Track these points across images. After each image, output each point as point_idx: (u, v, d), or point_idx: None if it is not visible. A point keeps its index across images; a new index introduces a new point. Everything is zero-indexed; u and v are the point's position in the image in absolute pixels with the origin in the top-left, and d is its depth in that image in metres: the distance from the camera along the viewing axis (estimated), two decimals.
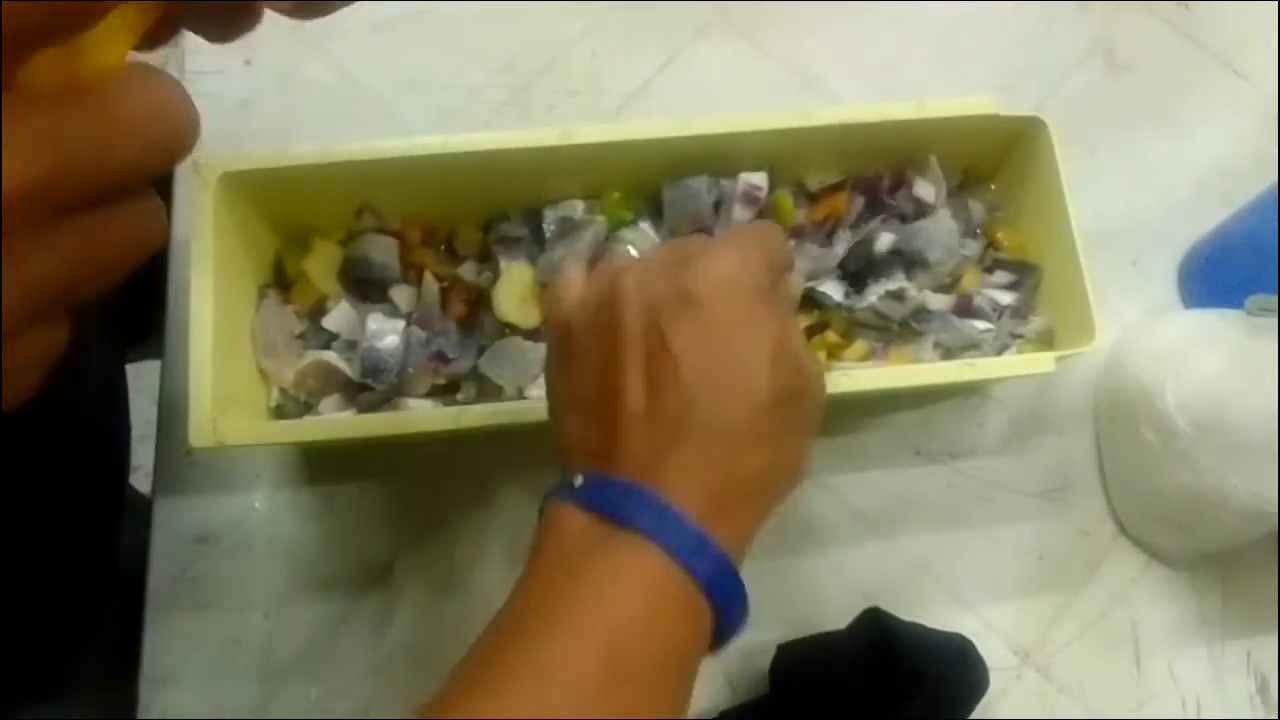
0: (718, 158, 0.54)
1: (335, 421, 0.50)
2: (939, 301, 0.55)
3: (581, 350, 0.37)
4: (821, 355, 0.53)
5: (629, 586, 0.32)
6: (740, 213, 0.54)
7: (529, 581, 0.34)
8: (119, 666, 0.55)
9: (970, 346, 0.54)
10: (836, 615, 0.53)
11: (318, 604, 0.55)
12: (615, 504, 0.33)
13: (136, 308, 0.59)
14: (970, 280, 0.56)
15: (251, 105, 0.62)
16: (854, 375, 0.49)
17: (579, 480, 0.35)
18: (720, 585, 0.33)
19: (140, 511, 0.57)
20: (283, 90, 0.63)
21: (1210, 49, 0.68)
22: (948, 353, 0.55)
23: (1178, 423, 0.50)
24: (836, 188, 0.56)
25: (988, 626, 0.56)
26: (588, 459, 0.36)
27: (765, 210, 0.55)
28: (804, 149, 0.54)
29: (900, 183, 0.56)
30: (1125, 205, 0.64)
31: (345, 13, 0.63)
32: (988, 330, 0.55)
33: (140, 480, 0.61)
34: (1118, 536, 0.58)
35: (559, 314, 0.38)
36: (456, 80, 0.64)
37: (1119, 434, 0.56)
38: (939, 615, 0.56)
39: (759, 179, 0.54)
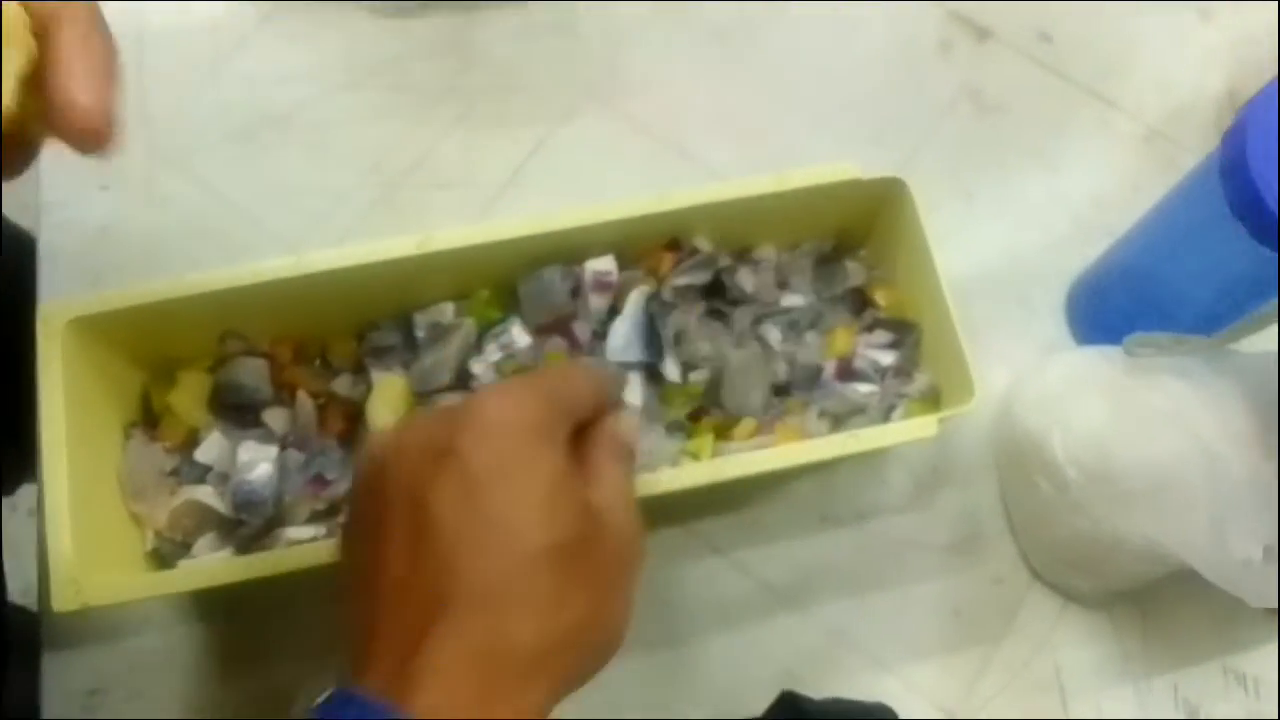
0: (574, 247, 0.53)
1: (206, 569, 0.48)
2: (810, 355, 0.55)
3: (357, 519, 0.35)
4: (708, 439, 0.52)
5: None
6: (596, 300, 0.53)
7: None
8: None
9: (855, 411, 0.54)
10: (756, 695, 0.51)
11: None
12: None
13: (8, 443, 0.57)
14: (844, 342, 0.55)
15: (111, 231, 0.61)
16: (741, 459, 0.49)
17: (322, 697, 0.32)
18: None
19: (26, 660, 0.55)
20: (143, 212, 0.61)
21: (1076, 80, 0.69)
22: (835, 420, 0.54)
23: (1068, 473, 0.50)
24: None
25: (910, 688, 0.55)
26: (354, 644, 0.33)
27: (620, 291, 0.54)
28: (664, 230, 0.54)
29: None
30: (1007, 245, 0.65)
31: (204, 125, 0.63)
32: (871, 393, 0.54)
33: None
34: (1032, 582, 0.58)
35: (354, 480, 0.37)
36: (324, 184, 0.63)
37: (1017, 482, 0.56)
38: (860, 682, 0.55)
39: (606, 264, 0.54)
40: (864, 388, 0.54)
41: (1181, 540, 0.46)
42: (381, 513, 0.33)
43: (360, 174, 0.64)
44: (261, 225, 0.62)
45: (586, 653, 0.34)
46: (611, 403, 0.38)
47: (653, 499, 0.47)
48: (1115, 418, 0.50)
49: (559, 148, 0.65)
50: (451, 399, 0.52)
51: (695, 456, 0.52)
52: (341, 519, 0.38)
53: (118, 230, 0.61)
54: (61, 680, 0.53)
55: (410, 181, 0.64)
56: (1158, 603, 0.57)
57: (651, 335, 0.53)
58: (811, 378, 0.54)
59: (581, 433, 0.36)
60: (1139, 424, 0.49)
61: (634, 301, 0.54)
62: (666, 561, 0.56)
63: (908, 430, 0.50)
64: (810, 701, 0.50)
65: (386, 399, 0.52)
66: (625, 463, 0.37)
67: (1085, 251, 0.64)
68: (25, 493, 0.64)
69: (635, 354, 0.53)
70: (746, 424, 0.53)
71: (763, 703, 0.51)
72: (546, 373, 0.39)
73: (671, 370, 0.53)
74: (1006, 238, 0.65)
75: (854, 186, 0.53)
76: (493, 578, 0.31)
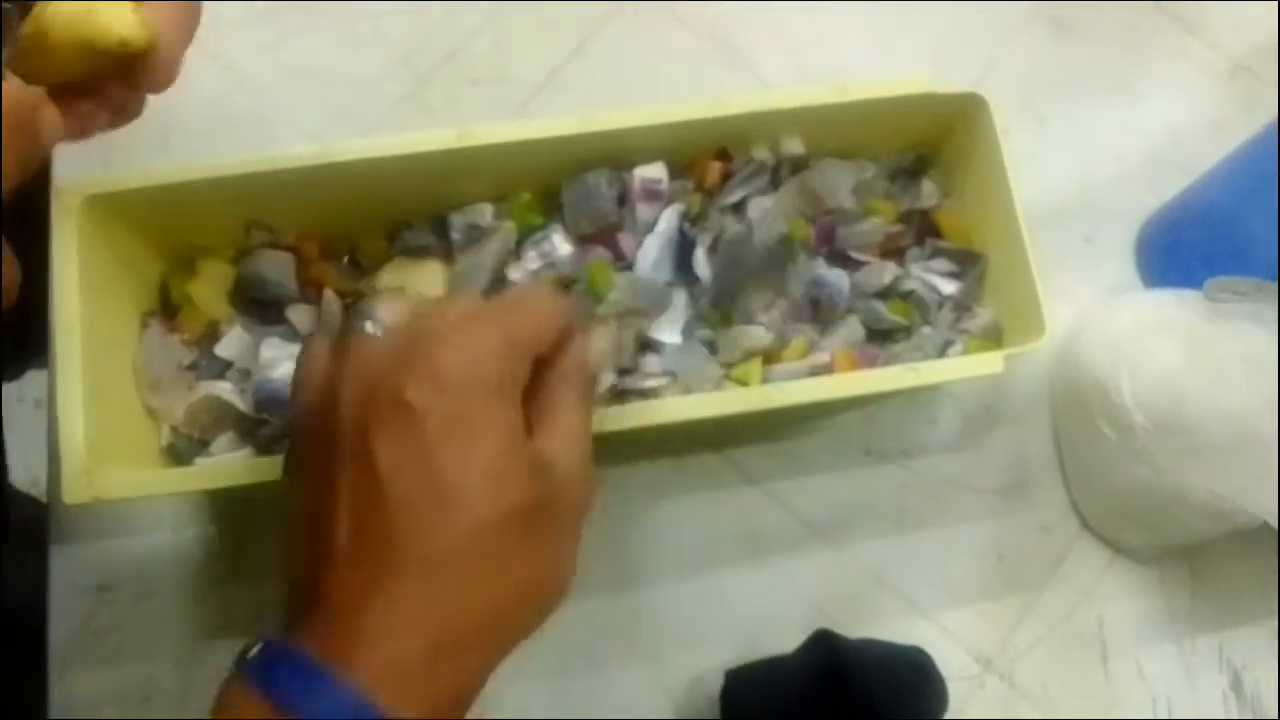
0: (622, 151, 0.49)
1: (224, 468, 0.45)
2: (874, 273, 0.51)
3: (302, 456, 0.33)
4: (757, 363, 0.49)
5: None
6: (644, 210, 0.50)
7: None
8: None
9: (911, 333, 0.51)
10: (788, 632, 0.49)
11: (233, 648, 0.51)
12: (284, 687, 0.29)
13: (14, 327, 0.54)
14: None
15: None
16: (789, 389, 0.45)
17: (254, 651, 0.30)
18: None
19: (30, 547, 0.53)
20: (161, 103, 0.58)
21: (1160, 6, 0.65)
22: (885, 336, 0.51)
23: (1135, 418, 0.47)
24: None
25: (947, 634, 0.53)
26: (294, 594, 0.32)
27: (670, 202, 0.51)
28: (717, 138, 0.51)
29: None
30: (1077, 178, 0.61)
31: (229, 4, 0.59)
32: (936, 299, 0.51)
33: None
34: (1080, 532, 0.55)
35: (293, 402, 0.34)
36: (352, 73, 0.59)
37: (1076, 427, 0.53)
38: (895, 625, 0.53)
39: (656, 172, 0.50)
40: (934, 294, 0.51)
41: (1255, 496, 0.43)
42: (325, 458, 0.32)
43: (389, 65, 0.60)
44: (283, 112, 0.58)
45: (532, 611, 0.33)
46: (577, 328, 0.36)
47: (688, 424, 0.44)
48: (1191, 364, 0.47)
49: (600, 51, 0.61)
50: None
51: (742, 382, 0.49)
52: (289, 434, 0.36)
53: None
54: (69, 575, 0.51)
55: (440, 76, 0.60)
56: (1208, 562, 0.55)
57: (683, 255, 0.50)
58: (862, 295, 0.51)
59: (541, 362, 0.34)
60: (1217, 373, 0.46)
61: (667, 218, 0.51)
62: (698, 489, 0.54)
63: (971, 366, 0.47)
64: (845, 641, 0.48)
65: (419, 299, 0.49)
66: (583, 402, 0.35)
67: (1159, 189, 0.60)
68: (32, 383, 0.61)
69: (665, 274, 0.50)
70: (798, 344, 0.50)
71: (793, 640, 0.49)
72: (509, 300, 0.35)
73: (704, 281, 0.50)
74: (1077, 169, 0.61)
75: (926, 102, 0.49)
76: (442, 544, 0.30)
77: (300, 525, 0.33)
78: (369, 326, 0.33)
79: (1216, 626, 0.55)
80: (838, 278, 0.51)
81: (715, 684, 0.49)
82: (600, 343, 0.37)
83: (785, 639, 0.49)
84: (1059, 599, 0.55)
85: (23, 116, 0.31)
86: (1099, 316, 0.54)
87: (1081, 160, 0.61)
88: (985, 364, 0.46)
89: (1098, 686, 0.54)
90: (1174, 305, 0.51)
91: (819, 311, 0.51)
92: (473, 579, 0.31)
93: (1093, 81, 0.63)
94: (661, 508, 0.54)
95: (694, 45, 0.61)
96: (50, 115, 0.32)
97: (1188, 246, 0.56)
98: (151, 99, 0.56)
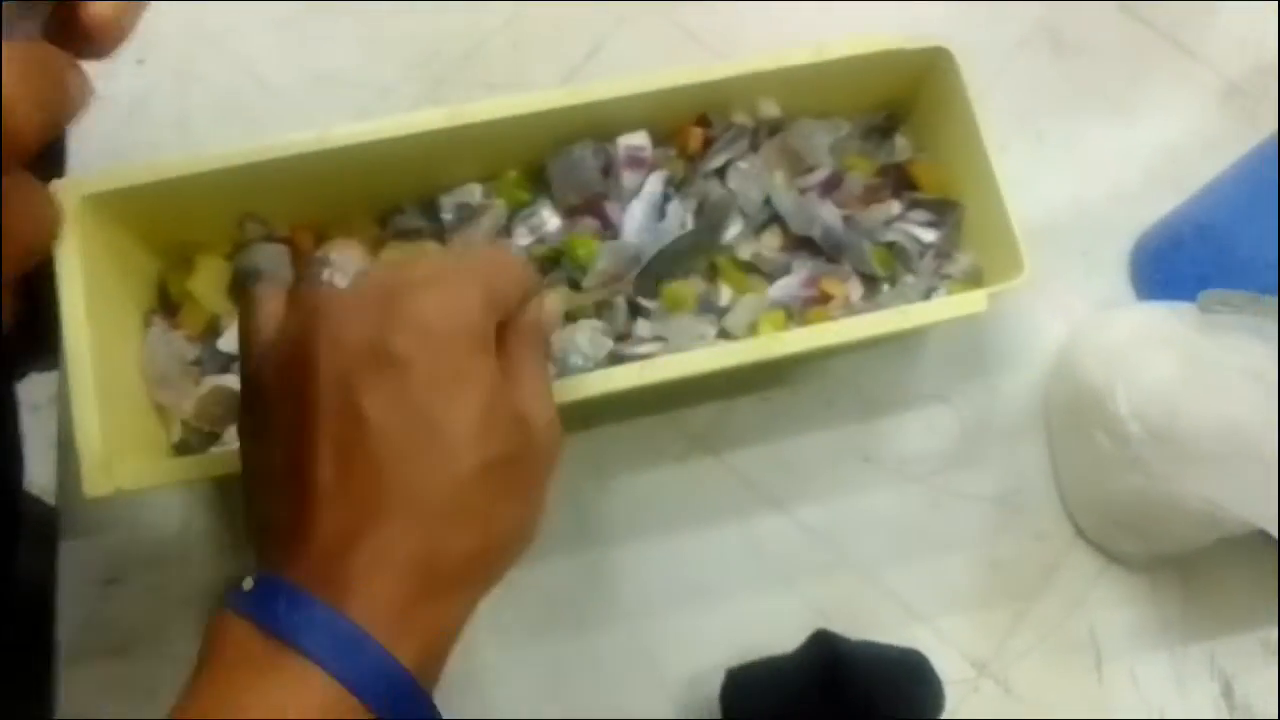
0: (606, 122, 0.51)
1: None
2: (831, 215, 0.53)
3: (270, 408, 0.33)
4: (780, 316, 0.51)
5: None
6: (629, 178, 0.51)
7: (188, 705, 0.29)
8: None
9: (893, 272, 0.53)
10: (788, 635, 0.50)
11: None
12: (282, 619, 0.29)
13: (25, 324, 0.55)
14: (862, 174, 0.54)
15: (145, 109, 0.58)
16: (785, 339, 0.47)
17: (248, 584, 0.31)
18: (404, 712, 0.30)
19: (39, 543, 0.53)
20: (179, 92, 0.59)
21: (1158, 28, 0.66)
22: (870, 286, 0.53)
23: (1130, 428, 0.48)
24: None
25: (942, 638, 0.54)
26: (274, 541, 0.32)
27: (653, 169, 0.52)
28: (698, 105, 0.52)
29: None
30: (1074, 193, 0.62)
31: (246, 7, 0.60)
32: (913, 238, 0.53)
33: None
34: (1074, 540, 0.56)
35: (249, 355, 0.34)
36: (369, 77, 0.60)
37: (1071, 437, 0.54)
38: (892, 629, 0.53)
39: (639, 139, 0.51)
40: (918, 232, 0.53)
41: (1250, 505, 0.44)
42: (306, 408, 0.31)
43: (407, 67, 0.61)
44: (299, 114, 0.58)
45: (509, 555, 0.34)
46: (534, 290, 0.36)
47: (687, 381, 0.46)
48: (1186, 375, 0.48)
49: (617, 53, 0.62)
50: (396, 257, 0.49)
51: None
52: (241, 384, 0.36)
53: (149, 109, 0.58)
54: (78, 569, 0.51)
55: (457, 78, 0.61)
56: (1200, 571, 0.56)
57: (664, 218, 0.52)
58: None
59: (500, 325, 0.35)
60: (1212, 383, 0.47)
61: (651, 184, 0.52)
62: (697, 495, 0.55)
63: (956, 305, 0.48)
64: (844, 641, 0.48)
65: None
66: (544, 360, 0.37)
67: (1155, 206, 0.61)
68: (35, 388, 0.62)
69: (650, 237, 0.51)
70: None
71: (791, 641, 0.50)
72: (480, 259, 0.36)
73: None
74: (1074, 185, 0.62)
75: (897, 58, 0.51)
76: (430, 492, 0.31)
77: (274, 476, 0.32)
78: (328, 275, 0.33)
79: (1208, 635, 0.55)
80: (832, 214, 0.53)
81: (715, 683, 0.50)
82: (553, 307, 0.38)
83: (786, 640, 0.50)
84: (1052, 605, 0.55)
85: (55, 68, 0.31)
86: (1093, 328, 0.55)
87: (1078, 176, 0.62)
88: (969, 303, 0.48)
89: (1091, 692, 0.54)
90: (1168, 317, 0.52)
91: (815, 250, 0.53)
92: (457, 525, 0.31)
93: (1090, 100, 0.64)
94: (659, 513, 0.54)
95: (701, 54, 0.62)
96: (79, 75, 0.32)
97: (1182, 260, 0.57)
98: (170, 96, 0.58)
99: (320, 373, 0.31)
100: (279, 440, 0.32)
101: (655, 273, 0.51)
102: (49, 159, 0.57)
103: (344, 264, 0.33)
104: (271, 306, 0.34)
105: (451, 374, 0.32)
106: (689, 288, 0.51)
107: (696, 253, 0.51)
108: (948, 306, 0.49)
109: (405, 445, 0.31)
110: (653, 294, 0.51)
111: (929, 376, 0.58)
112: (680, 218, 0.51)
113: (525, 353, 0.35)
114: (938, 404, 0.57)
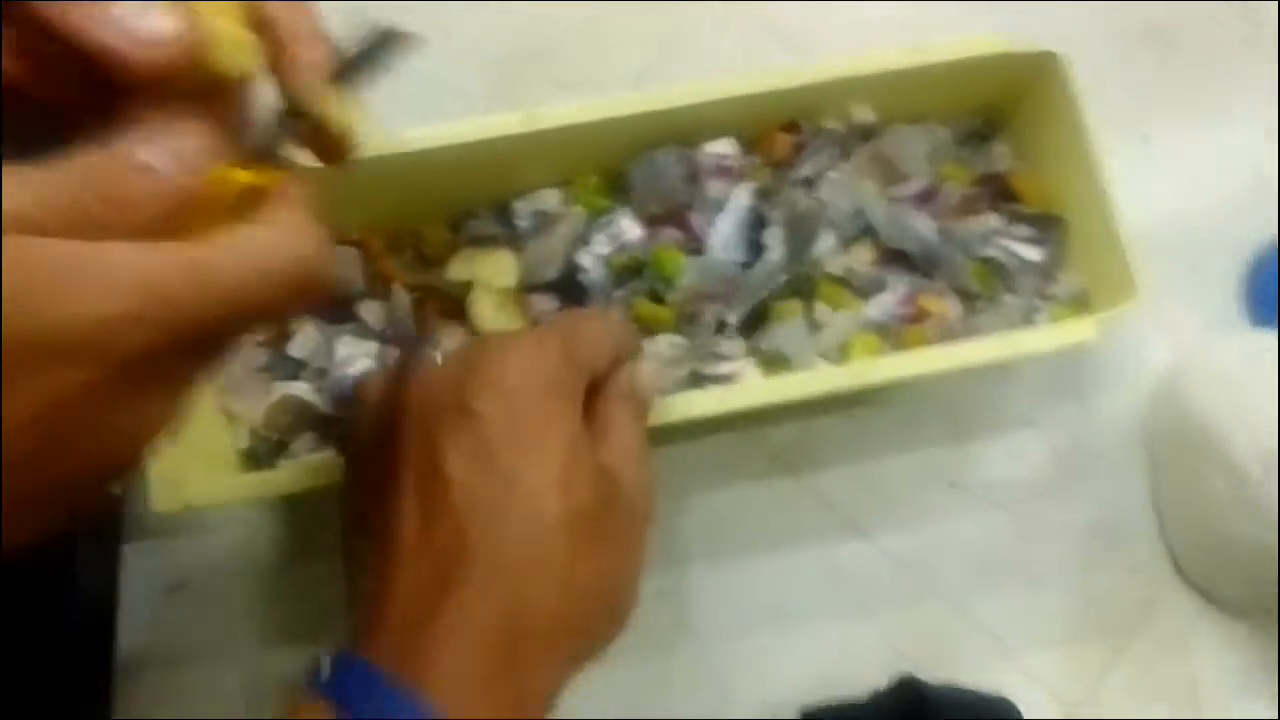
0: (689, 128, 0.49)
1: (312, 468, 0.44)
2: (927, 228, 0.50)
3: (365, 475, 0.34)
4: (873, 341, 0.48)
5: None
6: (715, 188, 0.49)
7: None
8: None
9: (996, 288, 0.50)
10: (866, 667, 0.48)
11: (303, 658, 0.50)
12: (355, 702, 0.29)
13: None
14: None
15: None
16: (878, 364, 0.44)
17: (325, 669, 0.30)
18: None
19: (104, 545, 0.52)
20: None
21: (1273, 29, 0.62)
22: (965, 303, 0.50)
23: (1249, 470, 0.45)
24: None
25: (1031, 678, 0.51)
26: (360, 614, 0.32)
27: (740, 178, 0.50)
28: (786, 110, 0.50)
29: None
30: (1181, 205, 0.58)
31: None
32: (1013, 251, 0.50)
33: None
34: (1173, 578, 0.53)
35: (356, 444, 0.35)
36: (436, 72, 0.58)
37: (1176, 471, 0.51)
38: (978, 665, 0.51)
39: (726, 147, 0.49)
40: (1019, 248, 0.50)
41: None
42: (393, 468, 0.32)
43: (477, 66, 0.59)
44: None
45: (600, 621, 0.33)
46: (628, 354, 0.37)
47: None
48: None
49: (693, 52, 0.59)
50: (546, 306, 0.48)
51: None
52: (342, 466, 0.37)
53: None
54: (141, 574, 0.51)
55: (528, 76, 0.59)
56: None
57: (756, 232, 0.49)
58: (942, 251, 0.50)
59: (595, 386, 0.35)
60: None
61: (738, 197, 0.49)
62: (775, 516, 0.52)
63: (1062, 333, 0.45)
64: (930, 688, 0.46)
65: (488, 295, 0.48)
66: (638, 418, 0.36)
67: (1269, 221, 0.57)
68: None
69: (738, 254, 0.49)
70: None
71: (870, 676, 0.47)
72: (564, 324, 0.35)
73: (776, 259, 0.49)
74: (1181, 197, 0.58)
75: (1002, 62, 0.48)
76: (509, 546, 0.30)
77: (364, 533, 0.33)
78: (427, 356, 0.35)
79: None
80: (928, 227, 0.50)
81: (786, 713, 0.48)
82: (650, 371, 0.38)
83: (863, 675, 0.48)
84: (1149, 645, 0.52)
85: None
86: (1203, 353, 0.51)
87: (1186, 187, 0.58)
88: (1075, 332, 0.45)
89: None
90: None
91: (908, 264, 0.51)
92: (538, 579, 0.30)
93: (1199, 105, 0.60)
94: (735, 534, 0.52)
95: (782, 54, 0.59)
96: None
97: None
98: None
99: (407, 438, 0.32)
100: (369, 502, 0.33)
101: (752, 305, 0.48)
102: None
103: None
104: (374, 385, 0.35)
105: (529, 426, 0.31)
106: (791, 307, 0.48)
107: (788, 272, 0.48)
108: (1053, 336, 0.45)
109: (484, 499, 0.30)
110: (750, 329, 0.49)
111: (1021, 398, 0.55)
112: (778, 247, 0.48)
113: (616, 414, 0.35)
114: (1029, 428, 0.54)
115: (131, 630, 0.50)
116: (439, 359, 0.35)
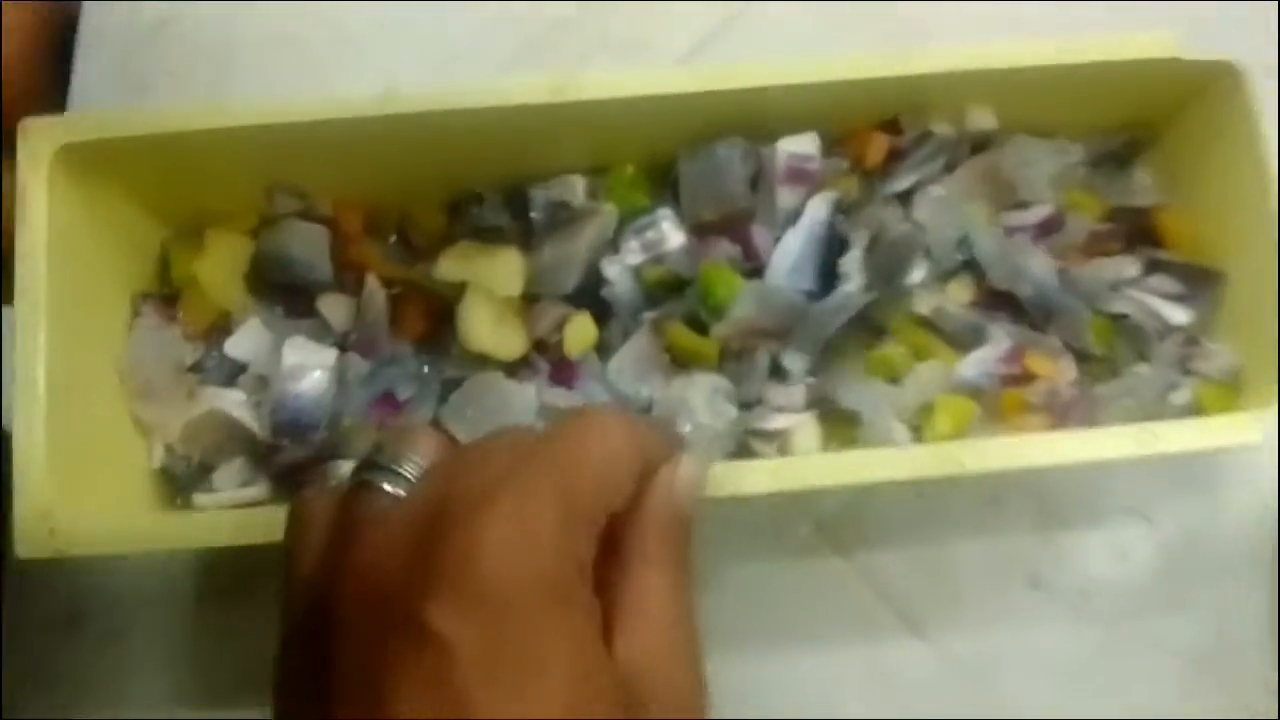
0: (761, 117, 0.39)
1: (233, 521, 0.35)
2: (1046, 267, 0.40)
3: (292, 673, 0.25)
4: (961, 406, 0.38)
5: None
6: (786, 196, 0.39)
7: None
8: None
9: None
10: None
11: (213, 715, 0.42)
12: None
13: None
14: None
15: (171, 28, 0.47)
16: (969, 450, 0.35)
17: None
18: None
19: None
20: (223, 15, 0.47)
21: None
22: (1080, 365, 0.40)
23: None
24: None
25: None
26: None
27: (819, 187, 0.40)
28: (887, 106, 0.40)
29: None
30: None
31: None
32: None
33: None
34: None
35: (290, 587, 0.26)
36: (453, 24, 0.49)
37: None
38: None
39: (806, 146, 0.39)
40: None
41: None
42: (325, 692, 0.23)
43: (501, 19, 0.49)
44: (370, 64, 0.48)
45: None
46: (661, 461, 0.27)
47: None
48: None
49: (762, 19, 0.49)
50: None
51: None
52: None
53: (180, 29, 0.47)
54: (26, 603, 0.43)
55: (563, 36, 0.49)
56: None
57: (831, 256, 0.39)
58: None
59: (613, 521, 0.26)
60: None
61: (814, 209, 0.40)
62: (820, 603, 0.44)
63: (1217, 433, 0.35)
64: None
65: (485, 303, 0.38)
66: (677, 569, 0.26)
67: None
68: None
69: (807, 281, 0.39)
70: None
71: None
72: (562, 445, 0.25)
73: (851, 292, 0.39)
74: None
75: (1164, 69, 0.38)
76: None
77: None
78: (387, 486, 0.25)
79: None
80: (1045, 267, 0.40)
81: None
82: (692, 477, 0.28)
83: None
84: None
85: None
86: None
87: None
88: (1235, 429, 0.35)
89: None
90: None
91: (1016, 309, 0.41)
92: None
93: None
94: (767, 617, 0.43)
95: (872, 17, 0.49)
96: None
97: None
98: (208, 16, 0.47)
99: (340, 655, 0.23)
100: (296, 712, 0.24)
101: (818, 347, 0.38)
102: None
103: (408, 469, 0.26)
104: (315, 517, 0.26)
105: (512, 652, 0.22)
106: (870, 355, 0.39)
107: (870, 309, 0.38)
108: (1204, 433, 0.35)
109: None
110: (813, 375, 0.39)
111: (1128, 483, 0.45)
112: (858, 276, 0.39)
113: (647, 566, 0.26)
114: (1135, 522, 0.45)
115: (14, 668, 0.42)
116: (398, 490, 0.25)
